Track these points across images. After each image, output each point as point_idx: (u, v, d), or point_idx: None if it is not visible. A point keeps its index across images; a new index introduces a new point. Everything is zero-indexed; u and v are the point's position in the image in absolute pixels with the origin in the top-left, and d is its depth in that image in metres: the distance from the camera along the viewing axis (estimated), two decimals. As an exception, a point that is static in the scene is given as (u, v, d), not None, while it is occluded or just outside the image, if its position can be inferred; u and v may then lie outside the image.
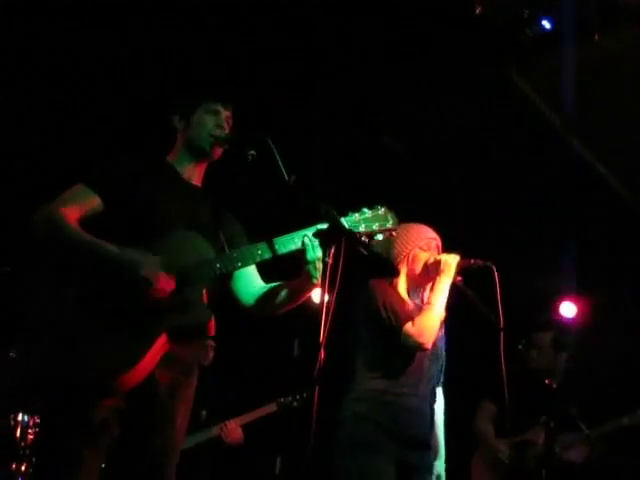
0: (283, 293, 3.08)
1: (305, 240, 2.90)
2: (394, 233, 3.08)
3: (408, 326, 3.77)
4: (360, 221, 2.99)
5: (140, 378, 2.70)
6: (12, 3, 4.55)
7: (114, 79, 5.05)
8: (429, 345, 3.77)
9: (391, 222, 3.03)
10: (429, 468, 3.91)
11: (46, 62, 4.91)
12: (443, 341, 4.05)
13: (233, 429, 5.50)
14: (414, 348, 3.79)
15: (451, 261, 3.86)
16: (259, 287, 3.14)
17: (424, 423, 3.88)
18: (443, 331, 4.04)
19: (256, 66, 5.01)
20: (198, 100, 3.17)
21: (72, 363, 2.67)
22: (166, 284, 2.73)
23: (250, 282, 3.15)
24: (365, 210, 3.02)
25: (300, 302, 3.09)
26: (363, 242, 2.94)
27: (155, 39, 4.79)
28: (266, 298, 3.11)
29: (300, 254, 2.92)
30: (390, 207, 3.07)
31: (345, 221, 2.96)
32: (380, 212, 3.03)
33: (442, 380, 4.07)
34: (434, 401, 3.98)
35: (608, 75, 4.89)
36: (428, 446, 3.90)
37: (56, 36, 4.75)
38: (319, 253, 2.90)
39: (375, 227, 3.00)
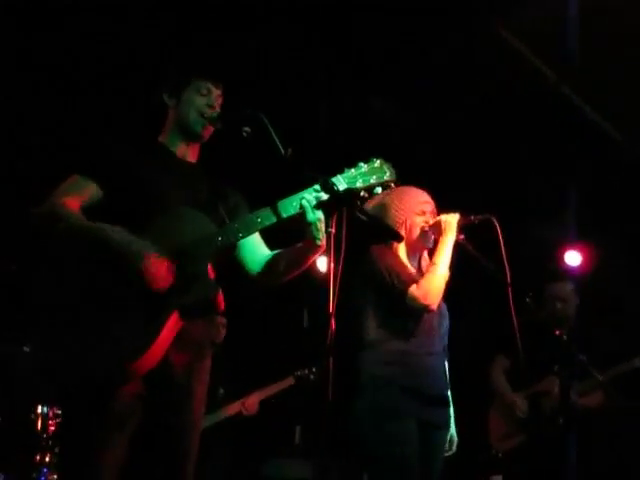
0: (288, 258, 3.07)
1: (303, 202, 2.87)
2: (392, 185, 3.05)
3: (413, 289, 3.78)
4: (357, 176, 2.96)
5: (155, 361, 2.72)
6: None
7: (101, 60, 5.03)
8: (435, 306, 3.79)
9: (388, 174, 3.01)
10: (447, 427, 3.96)
11: (29, 42, 4.88)
12: (443, 302, 4.07)
13: (252, 404, 5.56)
14: (421, 310, 3.80)
15: (452, 220, 3.86)
16: (264, 255, 3.13)
17: (442, 380, 3.92)
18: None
19: (251, 31, 4.99)
20: (188, 77, 3.13)
21: (86, 353, 2.68)
22: (167, 272, 2.74)
23: (255, 250, 3.13)
24: (361, 164, 2.99)
25: (306, 267, 3.07)
26: (363, 210, 2.95)
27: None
28: (272, 265, 3.09)
29: (301, 218, 2.90)
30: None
31: (342, 178, 2.95)
32: (376, 165, 3.01)
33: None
34: (446, 357, 4.02)
35: (599, 22, 4.86)
36: (447, 403, 3.94)
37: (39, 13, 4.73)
38: (319, 214, 2.88)
39: (373, 180, 2.97)
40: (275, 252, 3.13)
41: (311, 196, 2.88)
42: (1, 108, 5.09)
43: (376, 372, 3.82)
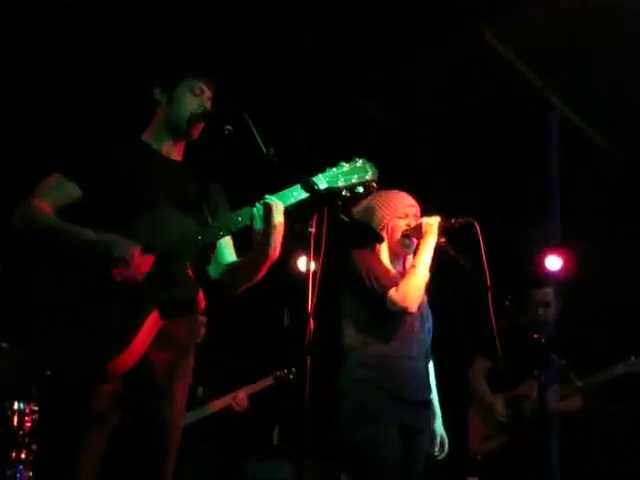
0: (240, 270, 3.04)
1: (253, 211, 2.85)
2: (374, 184, 3.03)
3: (392, 292, 3.79)
4: (338, 175, 2.95)
5: (134, 360, 2.70)
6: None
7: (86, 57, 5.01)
8: (414, 308, 3.80)
9: (370, 173, 3.00)
10: (428, 430, 3.96)
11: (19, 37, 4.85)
12: (428, 305, 4.08)
13: (242, 399, 5.59)
14: (400, 313, 3.81)
15: (432, 222, 3.88)
16: (226, 262, 3.09)
17: (422, 384, 3.93)
18: (426, 296, 4.07)
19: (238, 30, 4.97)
20: (182, 74, 3.10)
21: (64, 350, 2.66)
22: (141, 262, 2.71)
23: (220, 254, 3.08)
24: (343, 163, 2.99)
25: (257, 279, 2.99)
26: (343, 205, 2.93)
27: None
28: (229, 273, 3.06)
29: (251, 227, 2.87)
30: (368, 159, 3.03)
31: (323, 177, 2.93)
32: (358, 164, 3.00)
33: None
34: (428, 361, 4.03)
35: (580, 28, 4.89)
36: (428, 406, 3.95)
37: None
38: (270, 223, 2.82)
39: (354, 180, 2.96)
40: (235, 260, 3.09)
41: (263, 205, 2.84)
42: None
43: (356, 375, 3.82)
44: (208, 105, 3.08)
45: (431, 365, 4.15)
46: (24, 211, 2.86)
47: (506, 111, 5.74)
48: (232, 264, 3.07)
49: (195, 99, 3.06)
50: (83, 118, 5.21)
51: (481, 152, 6.17)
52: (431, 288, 3.93)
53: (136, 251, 2.71)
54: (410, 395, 3.82)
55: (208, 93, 3.09)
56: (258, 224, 2.85)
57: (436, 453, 4.06)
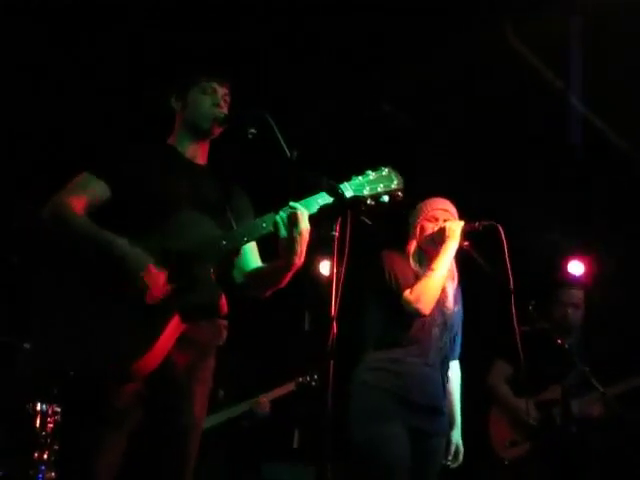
0: (266, 275, 3.06)
1: (277, 219, 2.85)
2: (400, 194, 3.03)
3: (407, 293, 3.82)
4: (364, 184, 2.96)
5: (157, 362, 2.71)
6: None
7: (112, 67, 5.04)
8: (426, 310, 3.81)
9: (396, 182, 3.01)
10: (442, 434, 3.96)
11: (41, 48, 4.89)
12: (459, 314, 4.08)
13: (264, 403, 5.59)
14: (413, 314, 3.83)
15: (455, 227, 3.90)
16: (252, 266, 3.12)
17: (435, 391, 3.92)
18: (460, 304, 4.08)
19: (252, 37, 4.99)
20: (192, 79, 3.15)
21: (87, 352, 2.67)
22: (156, 281, 2.72)
23: (245, 259, 3.12)
24: (369, 172, 3.00)
25: (283, 284, 3.02)
26: (367, 212, 2.94)
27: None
28: (252, 279, 3.09)
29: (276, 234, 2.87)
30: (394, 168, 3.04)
31: (349, 185, 2.95)
32: (384, 173, 3.01)
33: (457, 354, 4.12)
34: (447, 369, 4.02)
35: (606, 34, 4.86)
36: (441, 412, 3.94)
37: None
38: (295, 232, 2.83)
39: (380, 189, 2.97)
40: (260, 266, 3.11)
41: (288, 213, 2.84)
42: (12, 104, 5.09)
43: (365, 377, 3.88)
44: (224, 103, 3.11)
45: (457, 374, 4.16)
46: (56, 208, 2.87)
47: (526, 113, 5.71)
48: (257, 270, 3.09)
49: (207, 98, 3.10)
50: (106, 120, 5.24)
51: (501, 154, 6.14)
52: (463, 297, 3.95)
53: (161, 274, 2.73)
54: (419, 399, 3.83)
55: (221, 91, 3.13)
56: (283, 232, 2.85)
57: (449, 462, 4.06)
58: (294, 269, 2.93)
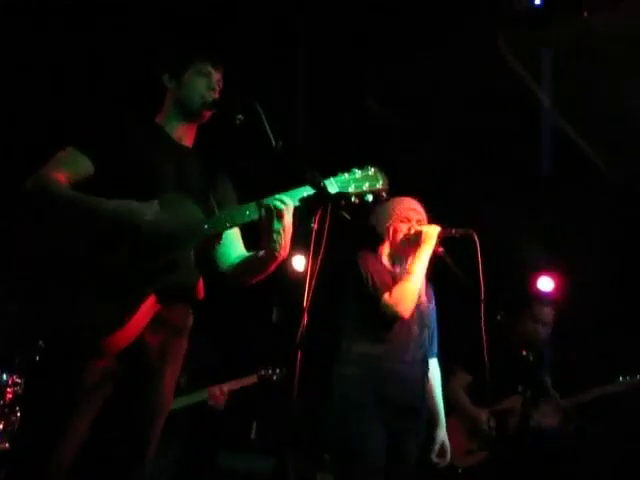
0: (251, 265, 3.06)
1: (262, 209, 2.85)
2: (384, 194, 3.05)
3: (386, 296, 3.84)
4: (350, 181, 2.97)
5: (129, 339, 2.70)
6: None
7: (100, 38, 5.01)
8: (406, 314, 3.84)
9: (381, 182, 3.02)
10: (416, 435, 3.97)
11: (31, 21, 4.86)
12: (433, 310, 4.11)
13: (219, 395, 5.58)
14: (392, 317, 3.85)
15: (432, 232, 3.93)
16: (237, 255, 3.12)
17: (413, 390, 3.93)
18: (433, 302, 4.11)
19: (238, 26, 4.98)
20: (189, 59, 3.14)
21: (58, 322, 2.67)
22: None
23: (230, 248, 3.12)
24: (355, 170, 3.01)
25: (267, 274, 3.04)
26: (347, 207, 2.95)
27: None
28: (237, 268, 3.09)
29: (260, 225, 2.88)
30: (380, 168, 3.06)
31: (335, 181, 2.96)
32: (370, 172, 3.02)
33: (437, 351, 4.15)
34: (427, 369, 4.05)
35: (594, 52, 4.91)
36: (417, 413, 3.95)
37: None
38: (278, 224, 2.84)
39: (365, 187, 2.98)
40: (246, 254, 3.12)
41: (277, 202, 2.84)
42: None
43: (344, 373, 3.87)
44: (217, 87, 3.11)
45: (437, 371, 4.19)
46: (40, 181, 2.84)
47: (505, 124, 5.75)
48: (242, 259, 3.09)
49: (203, 80, 3.09)
50: (92, 96, 5.21)
51: (480, 163, 6.18)
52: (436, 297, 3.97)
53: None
54: (397, 399, 3.84)
55: (216, 75, 3.13)
56: (267, 223, 2.85)
57: (435, 460, 4.09)
58: (278, 261, 2.94)
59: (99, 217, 2.75)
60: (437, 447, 4.10)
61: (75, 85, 5.22)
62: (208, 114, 3.12)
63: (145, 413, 2.83)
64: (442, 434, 4.13)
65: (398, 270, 4.03)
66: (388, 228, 4.08)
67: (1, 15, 4.73)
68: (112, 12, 4.86)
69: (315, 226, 2.87)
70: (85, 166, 2.92)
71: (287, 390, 2.81)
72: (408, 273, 3.89)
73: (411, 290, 3.85)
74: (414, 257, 3.93)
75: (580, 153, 6.11)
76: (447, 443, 4.13)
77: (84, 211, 2.79)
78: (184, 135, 3.14)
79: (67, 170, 2.88)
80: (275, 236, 2.85)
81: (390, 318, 3.85)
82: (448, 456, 4.13)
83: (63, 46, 5.03)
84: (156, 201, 2.77)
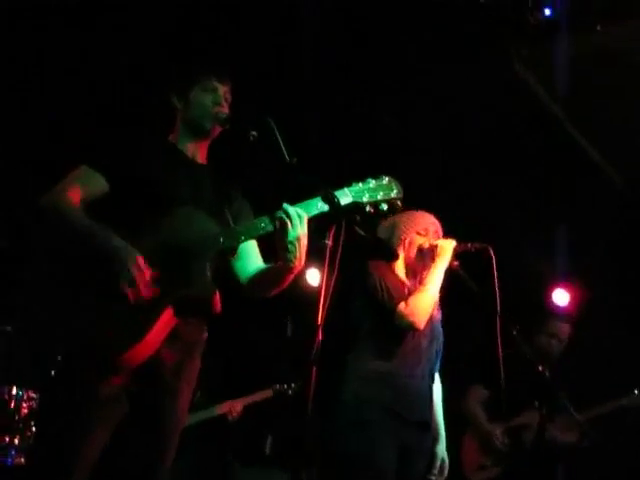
0: (269, 276, 3.06)
1: (276, 220, 2.83)
2: (399, 203, 3.04)
3: (401, 306, 3.82)
4: (364, 190, 2.97)
5: (146, 355, 2.70)
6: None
7: (113, 62, 5.05)
8: (421, 325, 3.82)
9: (395, 191, 3.02)
10: (427, 449, 3.96)
11: (45, 46, 4.90)
12: (440, 325, 4.09)
13: (237, 408, 5.58)
14: (407, 328, 3.83)
15: (447, 246, 3.92)
16: (255, 267, 3.12)
17: (424, 404, 3.92)
18: (440, 315, 4.09)
19: (247, 43, 5.00)
20: (194, 77, 3.15)
21: (76, 337, 2.67)
22: (143, 279, 2.70)
23: (248, 260, 3.12)
24: (369, 180, 3.01)
25: (285, 286, 3.03)
26: (362, 223, 2.94)
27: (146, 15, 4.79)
28: (256, 280, 3.09)
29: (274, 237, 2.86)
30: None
31: (349, 191, 2.95)
32: (384, 182, 3.02)
33: (439, 365, 4.12)
34: (433, 382, 4.03)
35: (609, 65, 4.91)
36: (428, 427, 3.94)
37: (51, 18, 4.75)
38: (291, 236, 2.82)
39: (379, 197, 2.98)
40: (264, 266, 3.12)
41: (290, 213, 2.82)
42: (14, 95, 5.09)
43: (355, 388, 3.84)
44: (225, 101, 3.12)
45: (438, 386, 4.16)
46: (54, 200, 2.86)
47: (523, 138, 5.75)
48: (260, 271, 3.09)
49: (209, 96, 3.09)
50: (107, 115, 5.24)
51: (495, 178, 6.17)
52: (443, 311, 3.95)
53: (140, 262, 2.71)
54: (409, 415, 3.82)
55: (222, 89, 3.13)
56: (281, 234, 2.83)
57: (434, 477, 4.06)
58: (295, 271, 2.93)
59: (99, 249, 2.76)
60: (437, 463, 4.06)
61: (89, 103, 5.26)
62: (218, 130, 3.13)
63: (160, 432, 2.82)
64: (442, 450, 4.10)
65: (412, 283, 4.01)
66: (404, 241, 4.05)
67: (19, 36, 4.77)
68: (124, 31, 4.90)
69: (329, 243, 2.87)
70: (100, 184, 2.93)
71: (302, 405, 2.80)
72: (423, 285, 3.88)
73: (427, 302, 3.84)
74: (430, 270, 3.92)
75: (596, 167, 6.09)
76: (446, 459, 4.10)
77: (85, 239, 2.80)
78: (196, 152, 3.16)
79: (82, 188, 2.90)
80: (290, 247, 2.84)
81: (405, 328, 3.83)
82: (446, 472, 4.10)
83: (79, 66, 5.07)
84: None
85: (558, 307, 6.24)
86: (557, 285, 6.39)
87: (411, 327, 3.81)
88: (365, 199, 2.96)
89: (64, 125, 5.30)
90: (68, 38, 4.86)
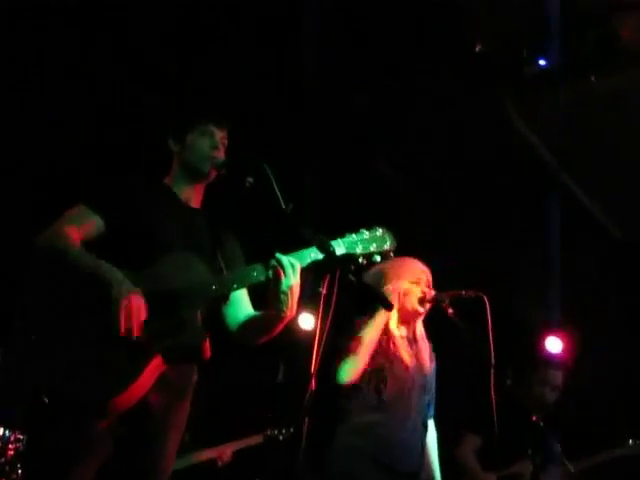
0: (259, 324, 3.06)
1: (269, 270, 2.84)
2: (391, 255, 3.05)
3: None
4: (357, 242, 2.98)
5: (133, 400, 2.68)
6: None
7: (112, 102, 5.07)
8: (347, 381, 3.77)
9: (388, 243, 3.03)
10: None
11: (46, 82, 4.92)
12: (434, 375, 4.05)
13: (228, 453, 5.52)
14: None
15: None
16: (245, 314, 3.12)
17: (413, 456, 3.86)
18: (434, 364, 4.05)
19: (248, 89, 5.03)
20: (191, 122, 3.17)
21: (63, 380, 2.65)
22: (135, 313, 2.68)
23: (238, 307, 3.12)
24: (363, 231, 3.02)
25: (275, 334, 3.03)
26: (356, 271, 2.93)
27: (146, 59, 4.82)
28: (246, 327, 3.09)
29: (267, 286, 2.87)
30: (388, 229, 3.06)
31: (342, 242, 2.96)
32: (378, 233, 3.04)
33: (432, 413, 4.08)
34: (425, 433, 3.97)
35: (603, 115, 4.95)
36: (417, 478, 3.88)
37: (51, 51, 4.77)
38: (287, 283, 2.82)
39: (372, 248, 2.99)
40: (254, 314, 3.11)
41: (284, 262, 2.82)
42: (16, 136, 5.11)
43: (346, 441, 3.79)
44: (221, 146, 3.13)
45: (433, 434, 4.11)
46: (52, 237, 2.86)
47: (513, 186, 5.78)
48: (249, 319, 3.09)
49: (206, 140, 3.11)
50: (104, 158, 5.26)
51: (483, 224, 6.18)
52: (437, 360, 3.92)
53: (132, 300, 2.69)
54: (399, 467, 3.78)
55: (219, 133, 3.14)
56: (274, 284, 2.83)
57: None
58: (286, 321, 2.93)
59: (98, 281, 2.74)
60: None
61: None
62: (214, 174, 3.13)
63: (146, 476, 2.80)
64: None
65: (406, 334, 3.98)
66: (398, 291, 3.94)
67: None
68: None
69: (323, 291, 2.85)
70: (97, 225, 2.94)
71: (293, 451, 2.78)
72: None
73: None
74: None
75: (588, 213, 6.12)
76: None
77: (85, 272, 2.78)
78: (191, 196, 3.16)
79: (79, 227, 2.90)
80: (282, 297, 2.84)
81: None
82: None
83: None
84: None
85: (551, 355, 6.20)
86: (550, 333, 6.36)
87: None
88: (358, 251, 2.98)
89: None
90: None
